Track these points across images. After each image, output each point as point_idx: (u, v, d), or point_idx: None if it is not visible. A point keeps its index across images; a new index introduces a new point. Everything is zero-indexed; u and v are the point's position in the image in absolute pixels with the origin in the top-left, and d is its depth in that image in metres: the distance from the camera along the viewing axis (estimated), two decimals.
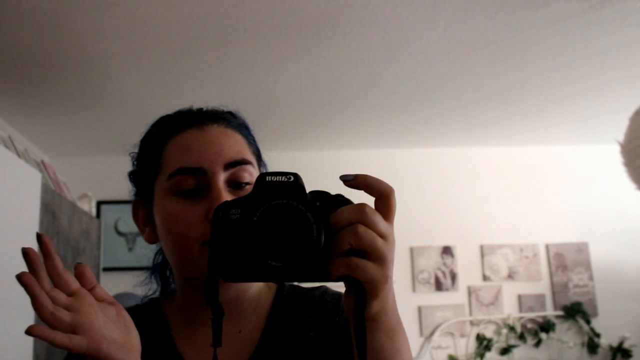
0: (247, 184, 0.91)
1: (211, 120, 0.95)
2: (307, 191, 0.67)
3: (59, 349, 2.43)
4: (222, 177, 0.89)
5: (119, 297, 2.83)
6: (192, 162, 0.89)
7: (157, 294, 1.06)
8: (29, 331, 0.66)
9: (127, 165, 1.03)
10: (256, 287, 0.96)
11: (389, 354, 0.69)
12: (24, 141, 3.77)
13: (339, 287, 0.73)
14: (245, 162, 0.92)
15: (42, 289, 0.71)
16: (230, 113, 1.00)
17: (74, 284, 0.75)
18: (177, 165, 0.90)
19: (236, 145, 0.93)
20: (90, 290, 0.77)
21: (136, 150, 1.01)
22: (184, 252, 0.87)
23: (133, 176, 1.01)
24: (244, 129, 0.98)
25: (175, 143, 0.93)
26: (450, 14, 2.65)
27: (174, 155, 0.91)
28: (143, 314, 0.98)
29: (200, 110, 0.99)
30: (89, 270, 0.79)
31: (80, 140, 4.09)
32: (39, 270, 0.73)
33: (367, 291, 0.65)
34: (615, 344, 4.32)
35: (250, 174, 0.92)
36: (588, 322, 4.37)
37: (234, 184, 0.90)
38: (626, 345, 4.28)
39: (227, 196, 0.86)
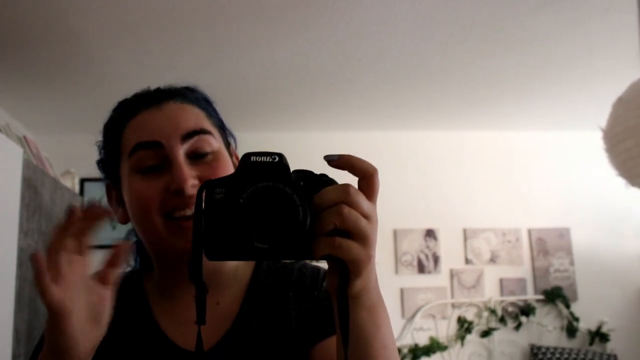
0: (208, 153, 0.92)
1: (167, 98, 0.95)
2: (292, 171, 0.67)
3: (39, 325, 2.41)
4: (181, 149, 0.89)
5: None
6: (148, 136, 0.90)
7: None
8: (34, 255, 0.65)
9: None
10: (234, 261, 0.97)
11: (370, 330, 0.70)
12: (5, 116, 3.73)
13: (322, 263, 0.74)
14: (203, 131, 0.92)
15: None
16: (187, 88, 1.00)
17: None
18: (135, 142, 0.90)
19: (193, 117, 0.94)
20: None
21: (101, 138, 1.02)
22: (148, 225, 0.89)
23: (101, 164, 1.02)
24: (202, 102, 0.98)
25: (133, 124, 0.94)
26: None
27: (132, 135, 0.92)
28: (124, 285, 0.98)
29: (157, 89, 0.99)
30: (122, 252, 0.75)
31: (63, 116, 4.05)
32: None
33: (350, 270, 0.66)
34: (593, 328, 4.38)
35: (210, 143, 0.92)
36: (568, 306, 4.42)
37: (195, 155, 0.91)
38: (604, 329, 4.35)
39: (186, 168, 0.88)
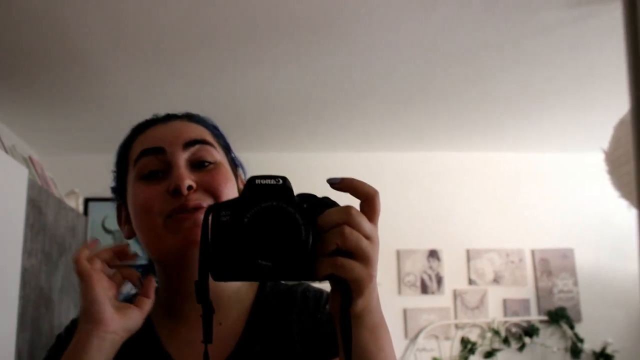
0: (210, 163, 0.94)
1: (174, 117, 1.00)
2: (295, 194, 0.69)
3: (41, 345, 2.42)
4: (182, 155, 0.93)
5: None
6: (152, 143, 0.94)
7: None
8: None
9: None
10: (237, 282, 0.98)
11: (373, 350, 0.71)
12: (12, 136, 3.75)
13: (325, 285, 0.75)
14: (205, 142, 0.96)
15: None
16: (195, 114, 1.05)
17: None
18: (139, 151, 0.95)
19: (197, 130, 0.98)
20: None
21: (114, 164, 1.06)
22: (151, 228, 0.91)
23: (113, 188, 1.06)
24: (209, 125, 1.03)
25: (141, 138, 0.98)
26: (442, 20, 2.67)
27: (138, 146, 0.96)
28: None
29: (166, 114, 1.04)
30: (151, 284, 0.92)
31: (68, 136, 4.07)
32: None
33: (352, 290, 0.67)
34: (598, 349, 4.35)
35: (211, 154, 0.95)
36: (572, 327, 4.40)
37: (196, 163, 0.93)
38: (609, 350, 4.32)
39: (187, 173, 0.90)
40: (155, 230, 0.90)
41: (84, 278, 0.82)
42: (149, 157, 0.93)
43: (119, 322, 0.82)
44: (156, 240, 0.91)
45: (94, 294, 0.81)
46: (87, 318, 0.82)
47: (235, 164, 1.03)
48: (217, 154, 0.96)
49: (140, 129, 1.00)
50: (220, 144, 1.01)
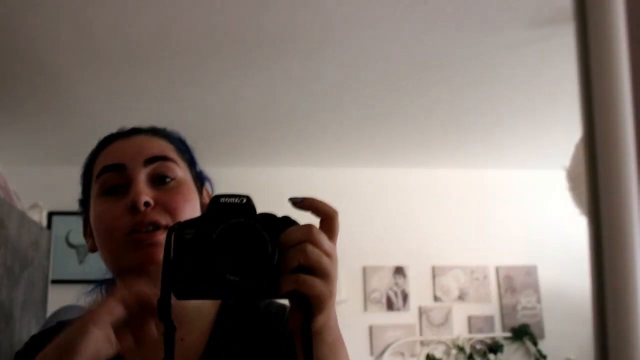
0: (171, 179, 0.95)
1: (139, 132, 1.01)
2: (257, 212, 0.71)
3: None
4: (142, 171, 0.93)
5: (64, 309, 2.78)
6: (113, 160, 0.95)
7: None
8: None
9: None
10: None
11: None
12: None
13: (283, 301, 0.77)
14: (166, 158, 0.96)
15: None
16: (162, 128, 1.05)
17: None
18: (100, 167, 0.95)
19: (159, 146, 0.98)
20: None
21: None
22: (111, 245, 0.91)
23: (81, 201, 1.05)
24: (174, 139, 1.03)
25: (104, 153, 0.98)
26: (406, 38, 2.71)
27: (100, 162, 0.97)
28: None
29: (133, 127, 1.04)
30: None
31: (32, 148, 4.02)
32: None
33: (313, 306, 0.69)
34: None
35: (173, 170, 0.96)
36: (535, 343, 4.45)
37: (157, 178, 0.94)
38: None
39: (146, 189, 0.91)
40: (115, 246, 0.90)
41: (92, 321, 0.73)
42: (110, 174, 0.94)
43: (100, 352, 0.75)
44: (116, 256, 0.91)
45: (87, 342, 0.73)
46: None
47: (200, 179, 1.03)
48: (179, 170, 0.97)
49: (105, 143, 1.00)
50: (185, 158, 1.01)
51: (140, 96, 3.23)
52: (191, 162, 1.03)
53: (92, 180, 0.98)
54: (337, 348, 0.74)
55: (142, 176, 0.92)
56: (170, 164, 0.96)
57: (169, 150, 0.99)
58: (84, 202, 1.02)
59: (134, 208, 0.89)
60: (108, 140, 1.01)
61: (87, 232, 1.02)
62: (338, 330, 0.75)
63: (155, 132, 1.02)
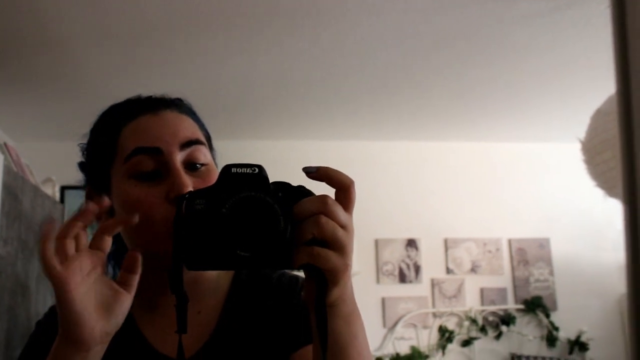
0: (202, 164, 0.92)
1: (164, 106, 0.96)
2: (270, 182, 0.69)
3: (17, 334, 2.39)
4: (179, 156, 0.89)
5: None
6: (148, 142, 0.90)
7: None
8: (45, 224, 0.70)
9: None
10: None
11: (347, 338, 0.72)
12: None
13: (301, 273, 0.76)
14: (200, 142, 0.93)
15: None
16: (179, 99, 1.01)
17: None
18: (133, 146, 0.90)
19: (190, 127, 0.95)
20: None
21: (85, 140, 1.01)
22: (150, 234, 0.86)
23: (84, 166, 1.01)
24: (193, 114, 0.99)
25: (131, 128, 0.93)
26: (419, 9, 2.67)
27: (130, 139, 0.91)
28: None
29: (150, 97, 0.99)
30: (137, 258, 0.77)
31: (45, 123, 4.03)
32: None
33: (327, 279, 0.67)
34: (573, 337, 4.41)
35: (205, 155, 0.93)
36: (547, 316, 4.46)
37: (190, 165, 0.91)
38: (583, 338, 4.39)
39: (185, 176, 0.87)
40: (157, 237, 0.85)
41: (57, 285, 0.68)
42: (144, 157, 0.89)
43: (103, 332, 0.73)
44: (158, 246, 0.85)
45: (71, 307, 0.69)
46: (66, 336, 0.72)
47: (214, 157, 1.01)
48: (208, 154, 0.94)
49: (128, 115, 0.95)
50: (205, 136, 0.99)
51: (153, 70, 3.22)
52: (208, 138, 1.00)
53: (115, 155, 0.93)
54: (353, 321, 0.73)
55: (179, 162, 0.89)
56: (202, 148, 0.93)
57: (198, 132, 0.96)
58: (95, 172, 0.97)
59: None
60: (131, 112, 0.95)
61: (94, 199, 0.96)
62: (354, 303, 0.74)
63: (180, 107, 0.98)
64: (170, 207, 0.84)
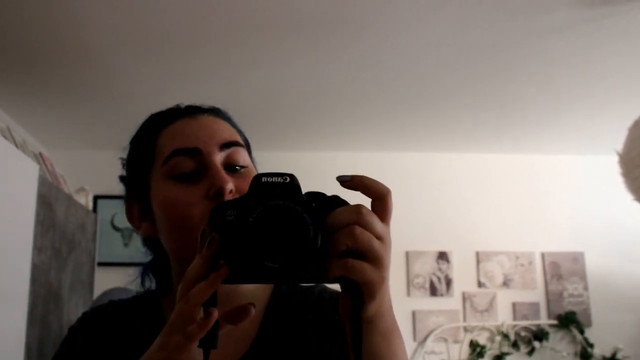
0: (242, 167, 0.91)
1: (201, 111, 0.96)
2: (304, 192, 0.66)
3: (50, 342, 2.42)
4: (218, 156, 0.89)
5: (111, 291, 2.83)
6: (186, 143, 0.89)
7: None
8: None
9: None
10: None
11: (385, 355, 0.69)
12: (22, 132, 3.76)
13: (337, 287, 0.73)
14: (239, 144, 0.92)
15: None
16: (216, 107, 1.00)
17: None
18: (172, 148, 0.89)
19: (228, 130, 0.94)
20: None
21: (125, 154, 1.00)
22: (187, 235, 0.84)
23: (124, 178, 1.00)
24: (230, 120, 0.99)
25: (168, 131, 0.93)
26: (454, 21, 2.66)
27: (168, 142, 0.91)
28: (141, 306, 0.98)
29: (188, 105, 0.99)
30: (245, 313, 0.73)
31: (79, 133, 4.09)
32: None
33: (363, 292, 0.64)
34: (608, 354, 4.31)
35: (244, 157, 0.92)
36: (582, 332, 4.36)
37: (229, 167, 0.89)
38: (619, 356, 4.28)
39: (224, 173, 0.86)
40: (190, 235, 0.82)
41: (185, 335, 0.66)
42: (183, 157, 0.88)
43: None
44: (191, 244, 0.79)
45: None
46: None
47: (254, 164, 1.00)
48: (247, 158, 0.93)
49: (165, 120, 0.95)
50: (244, 141, 0.97)
51: (184, 79, 3.24)
52: (248, 145, 0.99)
53: (154, 159, 0.92)
54: (392, 337, 0.69)
55: (219, 161, 0.88)
56: (242, 150, 0.92)
57: (236, 135, 0.94)
58: (135, 181, 0.97)
59: (218, 194, 0.84)
60: (169, 118, 0.95)
61: (135, 215, 0.96)
62: (393, 319, 0.70)
63: (217, 112, 0.97)
64: (210, 204, 0.82)
